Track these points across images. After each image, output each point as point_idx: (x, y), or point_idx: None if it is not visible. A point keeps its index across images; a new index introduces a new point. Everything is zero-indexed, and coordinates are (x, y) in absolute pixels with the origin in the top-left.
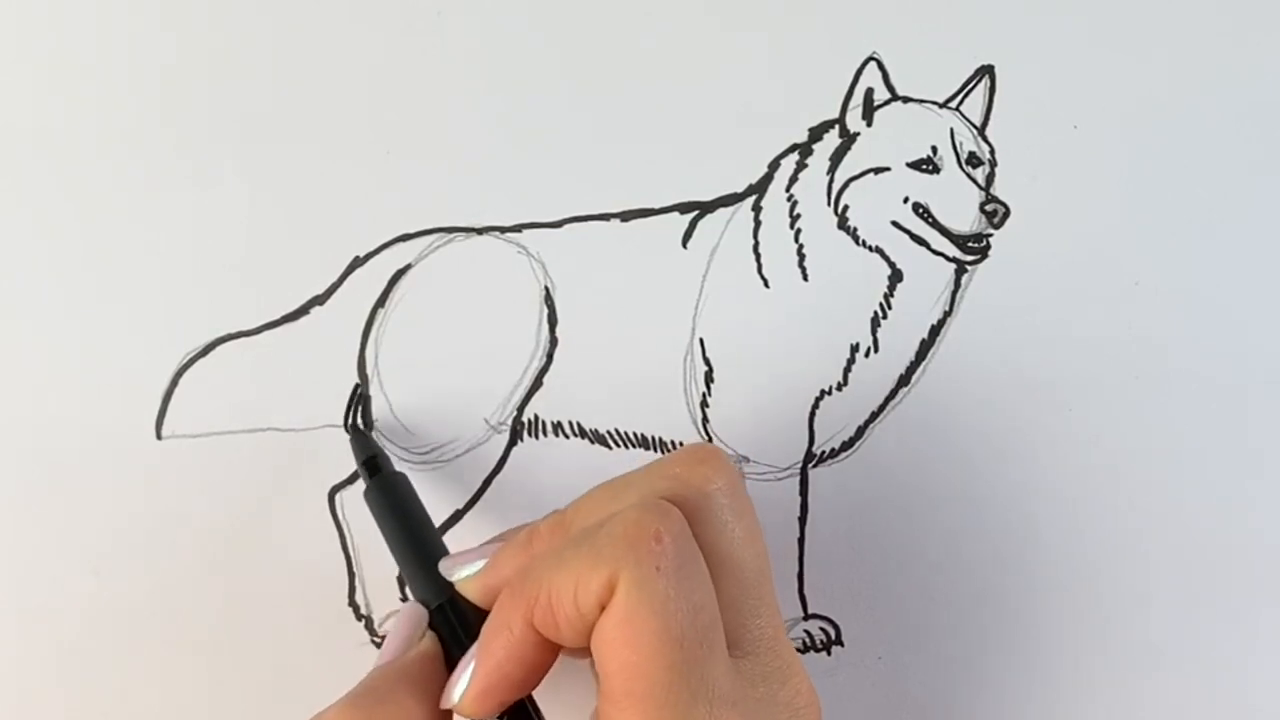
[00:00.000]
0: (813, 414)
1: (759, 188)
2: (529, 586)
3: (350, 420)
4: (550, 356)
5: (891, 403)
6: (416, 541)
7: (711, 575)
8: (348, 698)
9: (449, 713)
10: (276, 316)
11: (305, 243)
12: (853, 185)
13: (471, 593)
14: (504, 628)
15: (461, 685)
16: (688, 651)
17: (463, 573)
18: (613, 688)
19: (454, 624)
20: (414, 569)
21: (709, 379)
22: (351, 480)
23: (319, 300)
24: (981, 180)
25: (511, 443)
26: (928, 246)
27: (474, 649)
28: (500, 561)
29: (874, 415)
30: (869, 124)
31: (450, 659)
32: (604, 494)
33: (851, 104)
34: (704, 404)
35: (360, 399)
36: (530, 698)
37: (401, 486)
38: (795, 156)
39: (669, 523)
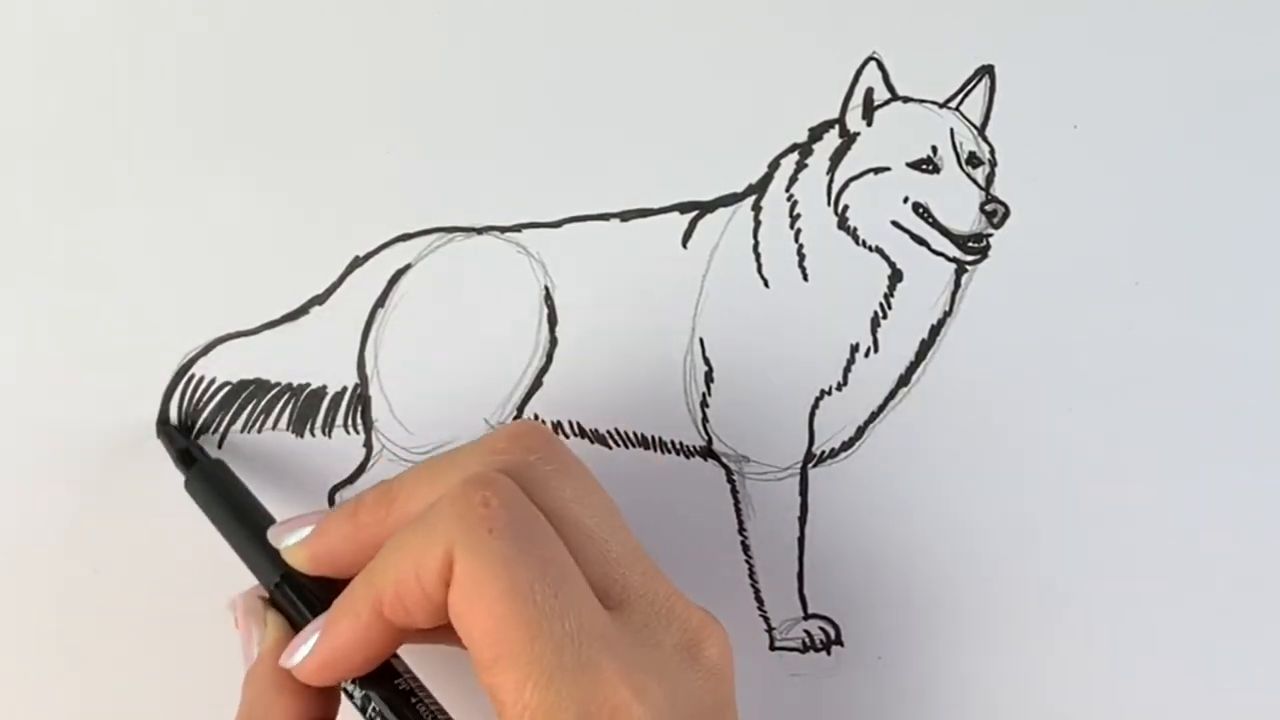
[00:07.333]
0: (813, 414)
1: (759, 188)
2: (375, 578)
3: (160, 416)
4: (550, 356)
5: (891, 403)
6: (247, 522)
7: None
8: None
9: (335, 698)
10: (276, 316)
11: (305, 243)
12: (853, 185)
13: (299, 561)
14: (350, 613)
15: (300, 655)
16: (542, 604)
17: (289, 540)
18: (480, 657)
19: (293, 598)
20: (247, 547)
21: (709, 379)
22: (352, 479)
23: (319, 300)
24: (981, 180)
25: None
26: (928, 246)
27: (319, 620)
28: (325, 529)
29: (874, 415)
30: (869, 124)
31: (297, 630)
32: (429, 470)
33: (851, 104)
34: (704, 404)
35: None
36: (396, 655)
37: (222, 473)
38: (795, 156)
39: (496, 487)
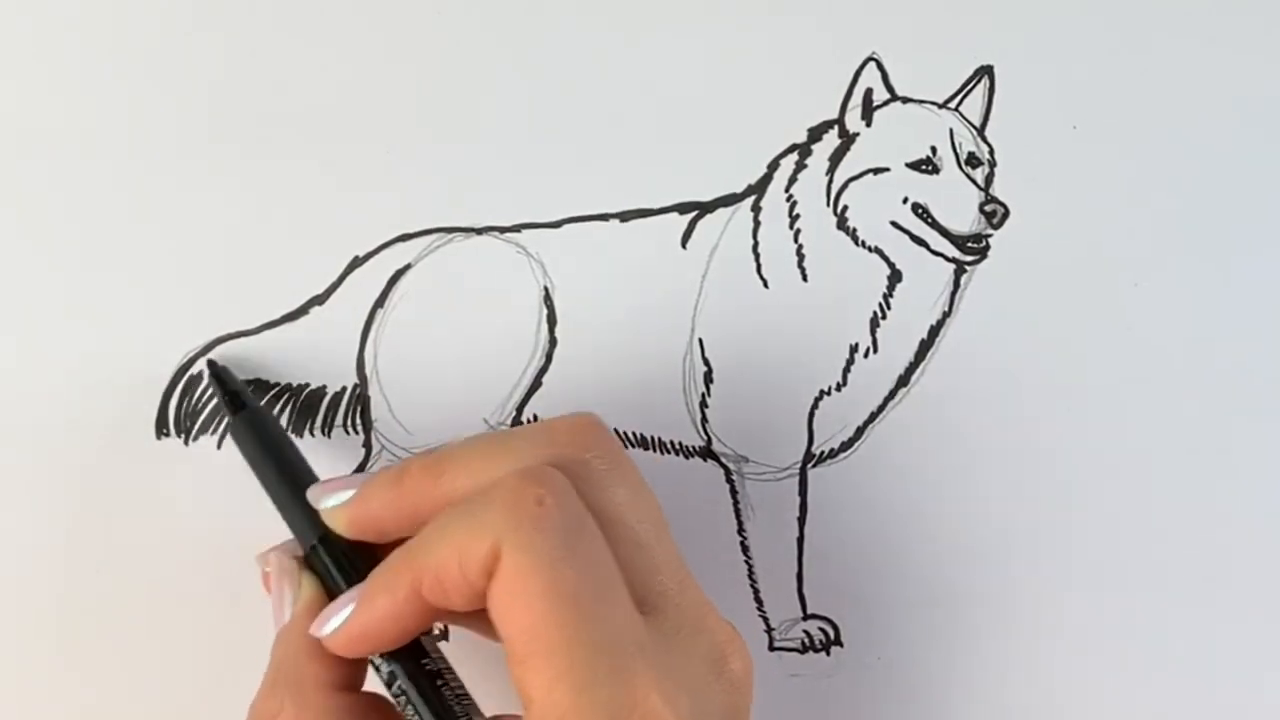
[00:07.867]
0: (812, 414)
1: (758, 188)
2: (417, 558)
3: (210, 364)
4: (550, 356)
5: (890, 403)
6: (288, 477)
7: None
8: (267, 684)
9: (363, 663)
10: (276, 316)
11: (305, 243)
12: (852, 185)
13: (338, 523)
14: (388, 589)
15: (332, 625)
16: (583, 607)
17: (330, 501)
18: (514, 651)
19: (328, 563)
20: (286, 504)
21: (709, 379)
22: None
23: (319, 300)
24: (981, 180)
25: None
26: (927, 247)
27: (353, 591)
28: (368, 494)
29: (873, 415)
30: (868, 124)
31: (332, 595)
32: (484, 449)
33: (851, 104)
34: (704, 404)
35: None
36: (427, 634)
37: (270, 423)
38: (795, 156)
39: (551, 485)
